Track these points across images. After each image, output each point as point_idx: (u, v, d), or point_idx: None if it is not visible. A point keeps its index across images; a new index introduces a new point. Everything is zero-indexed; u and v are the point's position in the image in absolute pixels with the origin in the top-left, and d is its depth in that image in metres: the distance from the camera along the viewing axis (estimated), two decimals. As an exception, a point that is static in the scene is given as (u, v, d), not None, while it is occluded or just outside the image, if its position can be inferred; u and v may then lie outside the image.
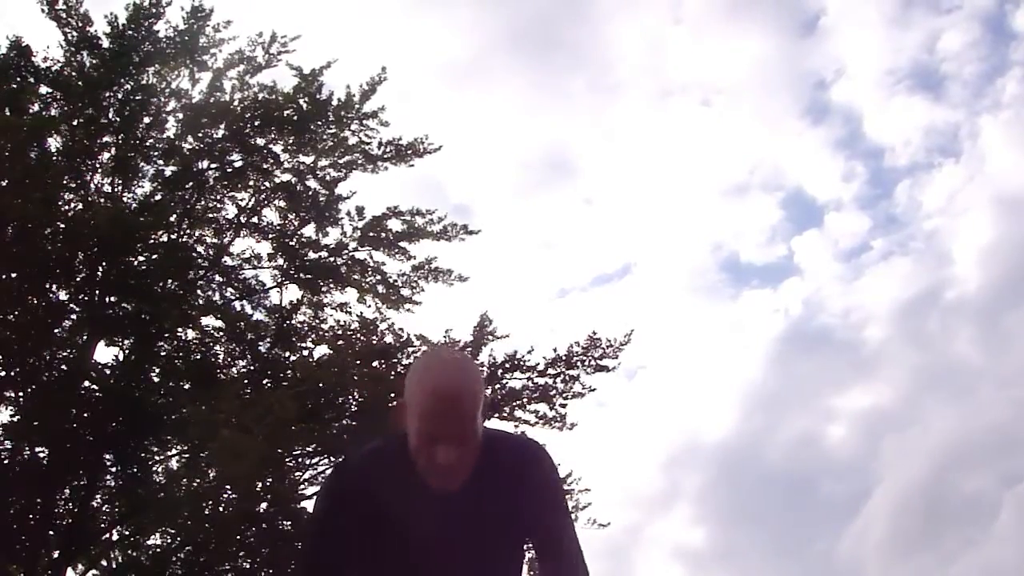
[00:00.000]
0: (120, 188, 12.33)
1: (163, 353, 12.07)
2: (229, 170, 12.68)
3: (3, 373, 11.21)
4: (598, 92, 31.71)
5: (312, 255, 12.80)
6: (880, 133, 35.34)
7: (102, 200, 12.06)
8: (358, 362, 11.34)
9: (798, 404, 31.82)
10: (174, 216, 12.47)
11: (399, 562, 2.03)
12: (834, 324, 32.30)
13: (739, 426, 31.43)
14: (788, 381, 32.01)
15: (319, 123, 12.54)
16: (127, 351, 11.81)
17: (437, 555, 2.01)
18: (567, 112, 32.55)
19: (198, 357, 12.13)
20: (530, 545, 2.13)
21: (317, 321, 12.78)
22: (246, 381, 11.99)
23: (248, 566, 11.40)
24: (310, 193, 12.88)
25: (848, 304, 32.43)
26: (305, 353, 12.45)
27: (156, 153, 12.54)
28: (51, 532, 10.90)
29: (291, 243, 12.87)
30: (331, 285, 12.81)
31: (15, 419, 11.01)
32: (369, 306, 12.76)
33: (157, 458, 11.89)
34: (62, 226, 11.43)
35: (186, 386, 11.77)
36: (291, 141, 12.63)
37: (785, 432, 31.42)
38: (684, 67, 33.30)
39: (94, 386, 11.56)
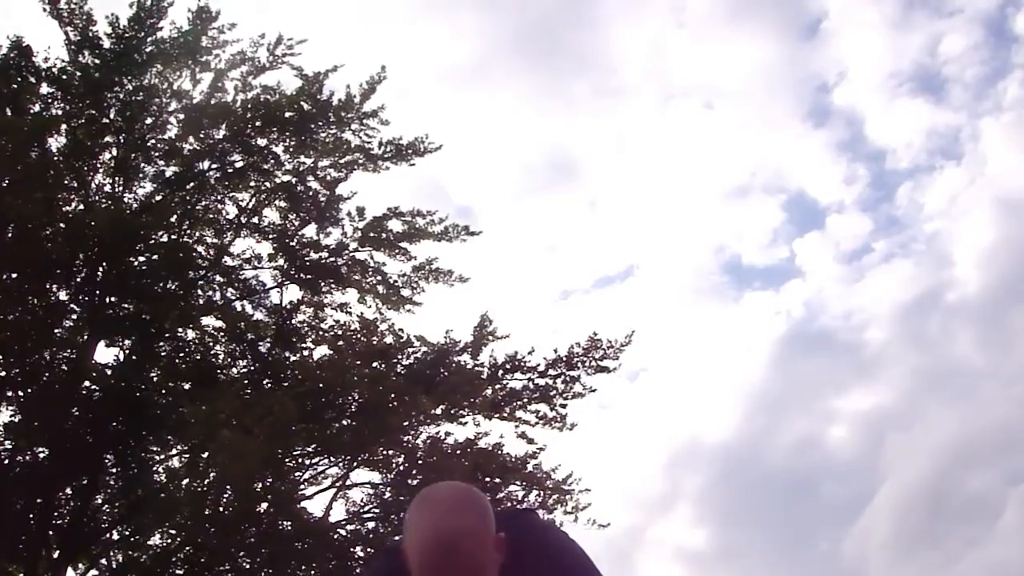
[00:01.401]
0: (121, 188, 12.32)
1: (163, 353, 12.07)
2: (230, 171, 12.67)
3: (3, 373, 11.20)
4: (601, 95, 31.83)
5: (312, 255, 12.79)
6: (882, 136, 35.51)
7: (102, 200, 12.05)
8: (358, 362, 11.34)
9: (800, 405, 31.90)
10: (175, 216, 12.46)
11: None
12: (836, 326, 32.41)
13: (741, 427, 31.52)
14: (790, 383, 32.08)
15: (320, 123, 12.54)
16: (127, 351, 11.81)
17: None
18: (570, 115, 32.69)
19: (198, 357, 12.13)
20: None
21: (317, 321, 12.78)
22: (246, 381, 11.99)
23: (248, 566, 11.39)
24: (311, 193, 12.87)
25: (849, 306, 32.55)
26: (305, 353, 12.45)
27: (157, 153, 12.53)
28: (51, 532, 10.88)
29: (291, 243, 12.87)
30: (331, 285, 12.80)
31: (15, 419, 11.01)
32: (369, 306, 12.78)
33: (157, 458, 11.88)
34: (62, 226, 11.42)
35: (186, 386, 11.77)
36: (292, 142, 12.62)
37: (787, 433, 31.49)
38: (687, 70, 33.44)
39: (94, 386, 11.55)
